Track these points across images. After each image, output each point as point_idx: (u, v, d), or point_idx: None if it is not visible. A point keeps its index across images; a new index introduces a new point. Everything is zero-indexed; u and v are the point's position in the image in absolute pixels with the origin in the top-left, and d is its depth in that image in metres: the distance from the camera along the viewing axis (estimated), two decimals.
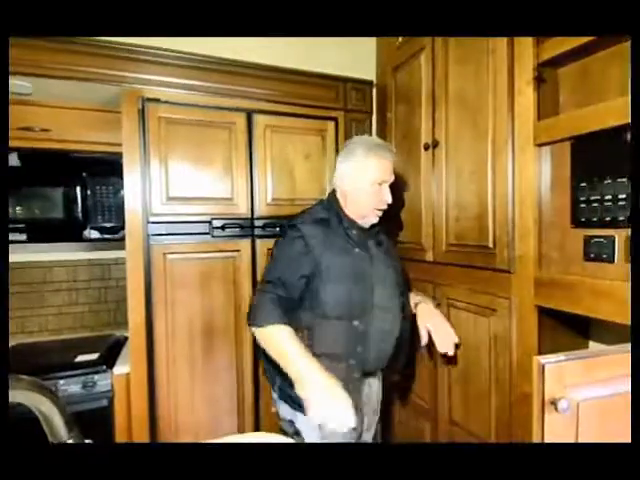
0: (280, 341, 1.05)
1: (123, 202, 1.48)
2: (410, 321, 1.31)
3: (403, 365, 1.34)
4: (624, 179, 0.88)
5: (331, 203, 1.25)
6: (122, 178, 1.47)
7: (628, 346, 0.71)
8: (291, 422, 1.15)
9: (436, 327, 1.26)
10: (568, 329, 1.17)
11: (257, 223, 1.65)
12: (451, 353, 1.26)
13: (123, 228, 1.54)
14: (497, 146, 1.18)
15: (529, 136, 1.08)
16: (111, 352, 1.66)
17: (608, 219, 0.91)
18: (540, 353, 1.08)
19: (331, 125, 1.74)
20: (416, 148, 1.54)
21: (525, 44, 1.08)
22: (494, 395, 1.22)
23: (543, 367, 0.63)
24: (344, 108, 1.77)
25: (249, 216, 1.64)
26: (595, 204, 0.94)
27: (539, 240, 1.08)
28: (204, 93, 1.56)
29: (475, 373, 1.29)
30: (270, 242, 1.65)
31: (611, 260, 0.91)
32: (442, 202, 1.42)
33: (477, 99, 1.25)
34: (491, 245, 1.21)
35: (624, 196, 0.88)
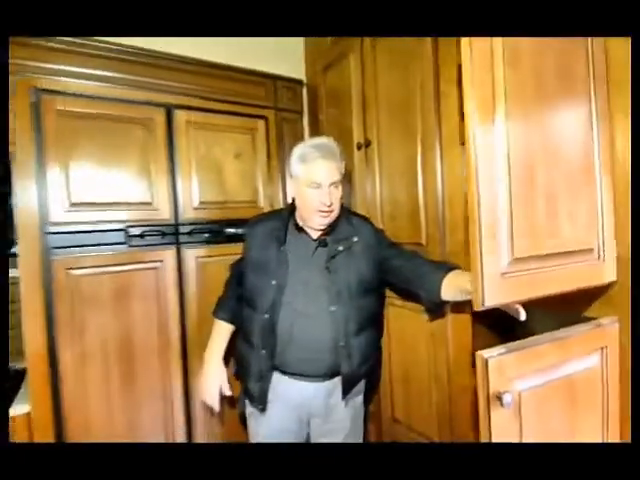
0: (212, 333, 1.35)
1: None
2: (375, 335, 1.30)
3: (362, 377, 1.28)
4: None
5: (290, 205, 1.29)
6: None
7: (558, 333, 0.73)
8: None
9: None
10: (500, 322, 1.23)
11: (182, 229, 1.50)
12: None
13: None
14: (426, 145, 1.20)
15: (455, 136, 1.11)
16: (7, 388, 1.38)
17: None
18: (474, 348, 1.10)
19: (261, 124, 1.66)
20: (350, 148, 1.53)
21: (448, 46, 1.11)
22: (434, 391, 1.23)
23: (486, 361, 0.61)
24: (275, 107, 1.70)
25: (173, 222, 1.49)
26: None
27: (466, 235, 1.11)
28: (114, 85, 1.39)
29: (415, 370, 1.30)
30: (201, 249, 1.52)
31: None
32: (377, 201, 1.42)
33: (406, 100, 1.26)
34: (424, 242, 1.23)
35: None
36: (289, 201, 1.29)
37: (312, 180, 1.17)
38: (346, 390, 1.21)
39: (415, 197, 1.24)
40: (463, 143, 1.09)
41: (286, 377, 1.20)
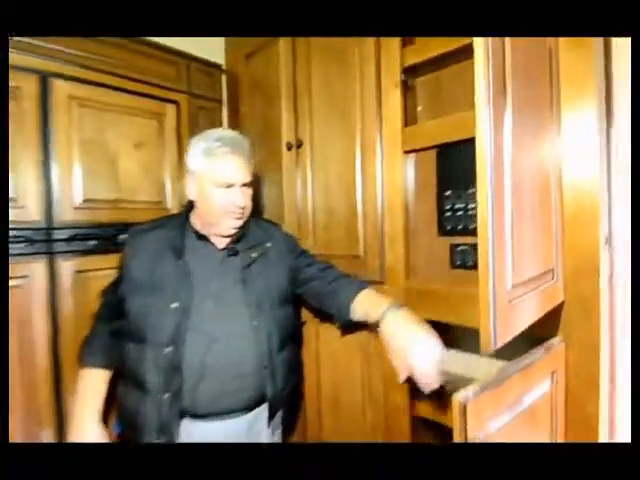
0: (79, 388, 1.03)
1: None
2: (297, 351, 1.19)
3: (286, 399, 1.13)
4: None
5: (184, 207, 1.10)
6: None
7: (523, 360, 0.68)
8: None
9: (416, 356, 0.83)
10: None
11: (58, 234, 1.15)
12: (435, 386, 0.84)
13: None
14: (366, 149, 1.11)
15: (397, 142, 1.04)
16: None
17: (472, 227, 0.94)
18: None
19: (171, 109, 1.39)
20: (277, 146, 1.37)
21: (392, 47, 1.03)
22: (369, 411, 1.14)
23: (464, 407, 0.52)
24: (189, 92, 1.45)
25: (44, 224, 1.13)
26: (460, 212, 0.96)
27: (407, 248, 1.05)
28: None
29: (347, 391, 1.20)
30: (84, 261, 1.18)
31: (476, 267, 0.93)
32: (308, 208, 1.28)
33: (344, 98, 1.16)
34: (362, 254, 1.13)
35: None
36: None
37: (221, 179, 1.01)
38: (272, 416, 1.05)
39: (353, 206, 1.14)
40: (407, 151, 1.03)
41: (199, 421, 0.97)
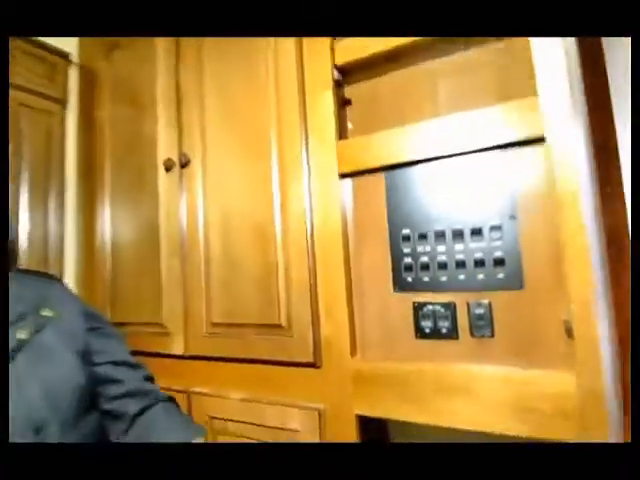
0: None
1: None
2: None
3: None
4: (460, 226, 0.66)
5: None
6: None
7: None
8: None
9: None
10: None
11: None
12: None
13: None
14: (286, 172, 0.78)
15: (330, 161, 0.75)
16: None
17: (444, 279, 0.67)
18: None
19: None
20: (151, 167, 0.95)
21: (319, 42, 0.77)
22: None
23: None
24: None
25: None
26: (424, 258, 0.68)
27: (352, 313, 0.73)
28: None
29: None
30: None
31: (453, 335, 0.66)
32: (199, 255, 0.87)
33: (253, 105, 0.83)
34: (284, 323, 0.76)
35: (461, 247, 0.65)
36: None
37: None
38: None
39: (269, 251, 0.78)
40: (345, 174, 0.74)
41: None
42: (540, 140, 0.58)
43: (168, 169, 0.91)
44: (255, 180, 0.81)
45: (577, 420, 0.53)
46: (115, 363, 0.64)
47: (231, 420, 0.80)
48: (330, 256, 0.74)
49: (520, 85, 0.63)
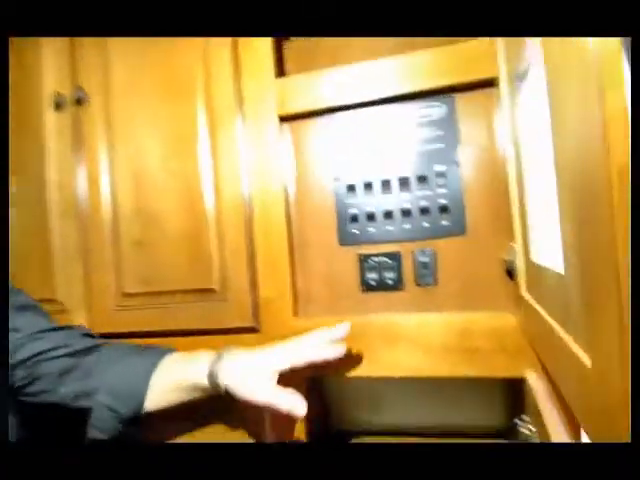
0: None
1: None
2: None
3: None
4: (407, 174, 0.64)
5: None
6: None
7: None
8: None
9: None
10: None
11: None
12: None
13: None
14: (216, 116, 0.68)
15: (267, 100, 0.67)
16: None
17: (390, 229, 0.65)
18: None
19: None
20: (34, 104, 0.75)
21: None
22: None
23: None
24: None
25: None
26: (370, 208, 0.65)
27: (293, 270, 0.67)
28: None
29: None
30: None
31: (398, 286, 0.64)
32: (104, 213, 0.72)
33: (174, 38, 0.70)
34: (217, 287, 0.67)
35: (407, 196, 0.64)
36: None
37: None
38: None
39: (197, 206, 0.68)
40: (285, 117, 0.67)
41: None
42: (488, 84, 0.58)
43: (58, 106, 0.73)
44: (177, 124, 0.69)
45: (516, 355, 0.56)
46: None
47: None
48: (269, 210, 0.66)
49: None
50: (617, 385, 0.21)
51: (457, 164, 0.62)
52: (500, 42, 0.53)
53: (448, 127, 0.62)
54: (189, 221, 0.68)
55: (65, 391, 0.55)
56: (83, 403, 0.55)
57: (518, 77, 0.44)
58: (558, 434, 0.42)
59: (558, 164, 0.30)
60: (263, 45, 0.67)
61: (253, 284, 0.66)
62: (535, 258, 0.43)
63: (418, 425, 0.80)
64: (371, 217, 0.65)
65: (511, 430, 0.64)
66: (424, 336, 0.60)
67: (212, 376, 0.54)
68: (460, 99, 0.62)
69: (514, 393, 0.66)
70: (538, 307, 0.41)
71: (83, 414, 0.54)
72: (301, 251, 0.68)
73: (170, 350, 0.62)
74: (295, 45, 0.73)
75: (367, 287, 0.65)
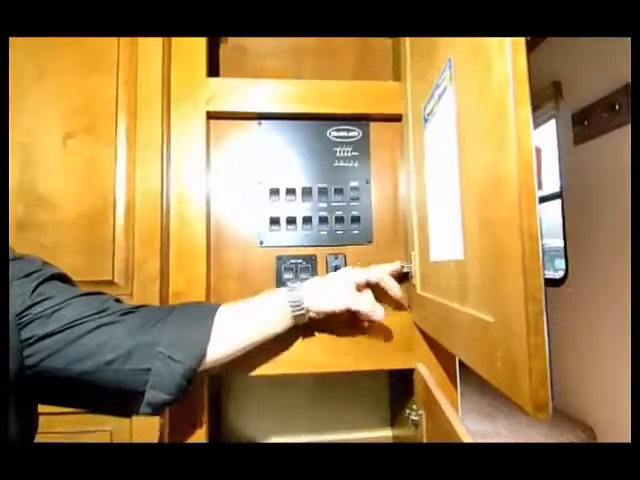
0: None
1: None
2: None
3: None
4: (326, 184, 0.70)
5: None
6: None
7: None
8: None
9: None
10: None
11: None
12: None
13: None
14: (138, 95, 0.64)
15: (198, 99, 0.66)
16: None
17: (308, 233, 0.69)
18: None
19: None
20: None
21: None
22: None
23: None
24: None
25: None
26: (290, 213, 0.69)
27: (208, 267, 0.66)
28: None
29: None
30: None
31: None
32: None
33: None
34: (119, 280, 0.61)
35: (325, 205, 0.70)
36: None
37: None
38: None
39: (104, 189, 0.61)
40: (212, 116, 0.67)
41: None
42: (396, 119, 0.70)
43: None
44: (88, 98, 0.63)
45: (409, 350, 0.65)
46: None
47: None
48: (188, 204, 0.64)
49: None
50: (518, 330, 0.28)
51: (368, 181, 0.71)
52: (408, 84, 0.65)
53: (362, 149, 0.72)
54: (89, 205, 0.61)
55: (113, 353, 0.46)
56: (138, 362, 0.47)
57: (426, 114, 0.55)
58: (446, 407, 0.50)
59: (463, 170, 0.39)
60: (198, 40, 0.67)
61: (164, 278, 0.61)
62: (434, 258, 0.52)
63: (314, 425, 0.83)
64: (291, 221, 0.69)
65: (401, 420, 0.72)
66: (328, 334, 0.64)
67: (294, 303, 0.56)
68: (373, 127, 0.72)
69: (398, 391, 0.75)
70: (435, 298, 0.50)
71: (136, 378, 0.47)
72: (218, 248, 0.67)
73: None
74: (230, 48, 0.75)
75: (282, 286, 0.68)
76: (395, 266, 0.65)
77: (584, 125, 1.53)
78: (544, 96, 1.74)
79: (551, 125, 1.79)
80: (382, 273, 0.63)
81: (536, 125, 1.87)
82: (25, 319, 0.43)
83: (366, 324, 0.63)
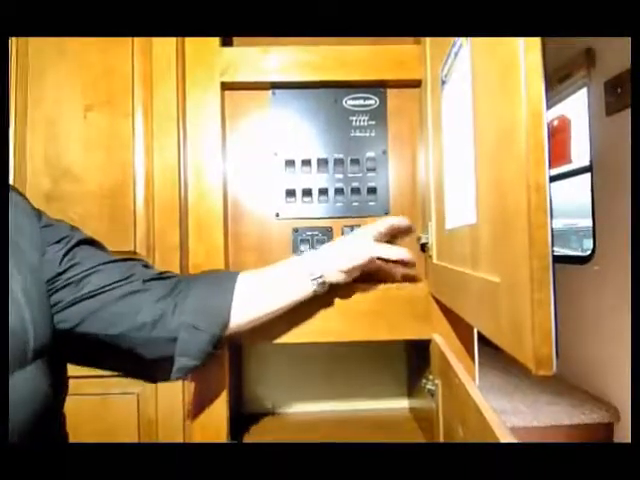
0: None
1: None
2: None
3: None
4: (341, 155, 0.69)
5: None
6: None
7: None
8: None
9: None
10: None
11: None
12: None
13: None
14: (154, 69, 0.64)
15: (213, 70, 0.66)
16: None
17: (324, 204, 0.69)
18: None
19: None
20: None
21: None
22: None
23: None
24: None
25: None
26: (307, 184, 0.69)
27: (226, 238, 0.67)
28: None
29: None
30: None
31: None
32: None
33: None
34: (141, 250, 0.63)
35: (341, 176, 0.69)
36: None
37: None
38: None
39: (125, 163, 0.63)
40: (227, 87, 0.67)
41: None
42: (415, 85, 0.67)
43: None
44: (107, 74, 0.64)
45: (425, 320, 0.64)
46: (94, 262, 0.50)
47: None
48: (205, 175, 0.65)
49: None
50: (522, 285, 0.27)
51: (385, 152, 0.70)
52: (427, 47, 0.62)
53: (379, 118, 0.70)
54: (111, 177, 0.62)
55: (139, 322, 0.48)
56: (163, 331, 0.49)
57: (443, 76, 0.52)
58: (463, 375, 0.50)
59: (477, 128, 0.38)
60: None
61: (183, 249, 0.63)
62: (450, 225, 0.51)
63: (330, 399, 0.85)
64: (307, 193, 0.69)
65: (418, 390, 0.73)
66: (348, 304, 0.65)
67: (312, 272, 0.55)
68: (390, 94, 0.70)
69: (416, 363, 0.76)
70: (450, 265, 0.49)
71: (163, 346, 0.49)
72: (236, 220, 0.68)
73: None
74: None
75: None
76: (402, 221, 0.62)
77: (617, 93, 1.44)
78: (575, 65, 1.64)
79: (582, 94, 1.70)
80: (390, 221, 0.62)
81: (566, 95, 1.77)
82: (56, 284, 0.46)
83: (398, 270, 0.63)
